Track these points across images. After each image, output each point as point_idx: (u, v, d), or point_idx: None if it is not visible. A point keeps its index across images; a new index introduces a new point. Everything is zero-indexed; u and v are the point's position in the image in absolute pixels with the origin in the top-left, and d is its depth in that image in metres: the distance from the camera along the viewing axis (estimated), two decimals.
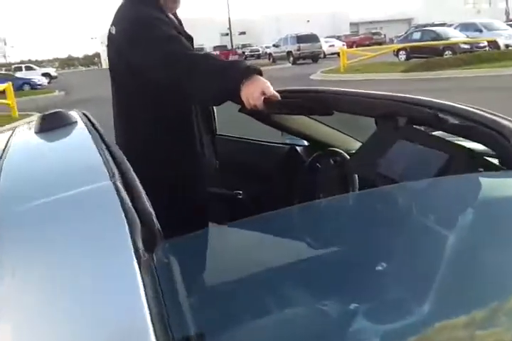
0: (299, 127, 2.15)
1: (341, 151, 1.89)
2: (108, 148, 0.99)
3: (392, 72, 16.51)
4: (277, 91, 1.52)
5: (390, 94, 1.42)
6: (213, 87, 1.55)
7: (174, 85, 1.65)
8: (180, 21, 1.94)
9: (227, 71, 1.54)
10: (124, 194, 0.78)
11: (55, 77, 38.29)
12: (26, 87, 27.06)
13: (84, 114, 1.45)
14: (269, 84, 1.53)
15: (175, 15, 1.92)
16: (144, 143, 1.83)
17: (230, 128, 2.42)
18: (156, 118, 1.80)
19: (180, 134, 1.83)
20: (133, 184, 0.83)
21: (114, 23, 1.77)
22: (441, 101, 1.26)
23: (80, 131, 1.24)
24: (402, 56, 20.76)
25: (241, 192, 2.47)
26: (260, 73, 1.56)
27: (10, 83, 14.58)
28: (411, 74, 15.47)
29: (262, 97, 1.48)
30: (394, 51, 21.42)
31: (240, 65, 1.58)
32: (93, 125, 1.24)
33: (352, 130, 2.17)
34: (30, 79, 28.76)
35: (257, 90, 1.49)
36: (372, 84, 14.21)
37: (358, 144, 2.22)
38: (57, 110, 1.36)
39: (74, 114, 1.39)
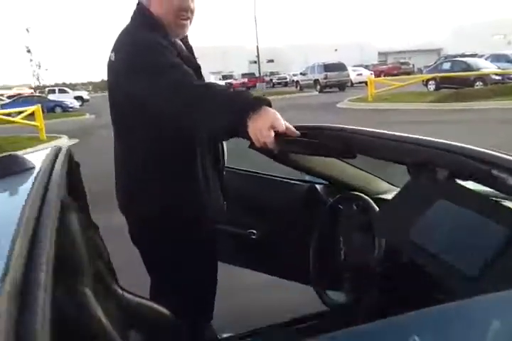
0: (317, 166, 1.95)
1: (366, 198, 1.67)
2: (38, 218, 0.77)
3: (420, 101, 16.26)
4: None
5: (425, 138, 1.21)
6: (217, 122, 1.38)
7: (175, 115, 1.51)
8: (190, 48, 1.80)
9: (232, 103, 1.37)
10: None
11: (87, 100, 38.96)
12: (58, 110, 27.67)
13: (67, 153, 1.29)
14: (279, 116, 1.35)
15: (185, 42, 1.78)
16: (139, 169, 1.71)
17: (241, 159, 2.25)
18: (152, 144, 1.65)
19: (179, 165, 1.67)
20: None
21: (114, 49, 1.64)
22: (490, 152, 1.03)
23: (21, 183, 1.05)
24: (432, 86, 20.53)
25: (254, 231, 2.28)
26: (269, 104, 1.38)
27: (39, 105, 14.83)
28: (440, 104, 15.20)
29: (273, 133, 1.30)
30: (423, 81, 21.27)
31: (246, 96, 1.40)
32: (52, 171, 1.05)
33: (376, 168, 1.96)
34: (62, 101, 29.36)
35: (265, 125, 1.31)
36: (401, 114, 14.00)
37: (384, 185, 2.01)
38: (11, 153, 1.18)
39: (53, 152, 1.23)
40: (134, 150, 1.71)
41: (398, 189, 2.01)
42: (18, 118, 15.01)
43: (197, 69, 1.69)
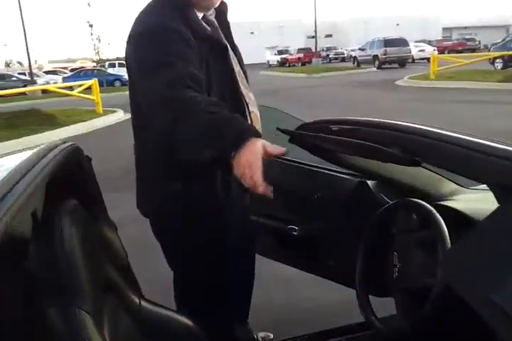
0: (364, 163, 1.67)
1: (430, 208, 1.35)
2: None
3: (487, 81, 15.30)
4: (336, 122, 1.10)
5: None
6: (199, 146, 1.29)
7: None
8: (226, 26, 1.63)
9: (219, 129, 1.23)
10: None
11: None
12: (117, 83, 28.19)
13: (69, 149, 1.12)
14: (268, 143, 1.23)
15: (222, 18, 1.59)
16: (152, 158, 1.61)
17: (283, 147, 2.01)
18: (164, 140, 1.48)
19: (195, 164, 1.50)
20: None
21: (128, 35, 1.53)
22: None
23: None
24: (499, 65, 19.39)
25: (296, 227, 2.07)
26: (258, 135, 1.25)
27: (96, 80, 15.03)
28: (509, 84, 14.23)
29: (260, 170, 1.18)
30: (490, 59, 20.15)
31: (236, 125, 1.25)
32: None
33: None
34: (121, 75, 29.77)
35: (256, 160, 1.19)
36: (466, 93, 13.24)
37: (449, 185, 1.73)
38: None
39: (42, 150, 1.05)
40: (149, 146, 1.60)
41: (466, 191, 1.73)
42: (75, 92, 15.29)
43: (222, 48, 1.56)
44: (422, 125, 1.11)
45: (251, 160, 1.19)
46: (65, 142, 1.22)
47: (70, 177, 1.12)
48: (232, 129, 1.23)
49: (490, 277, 0.84)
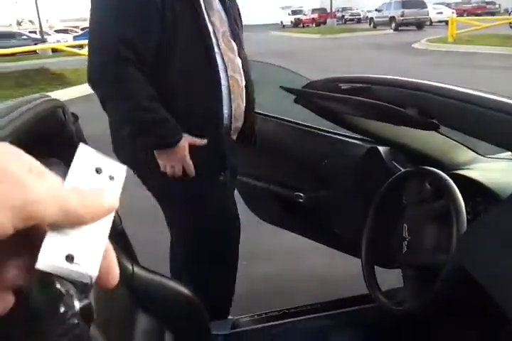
0: (376, 128, 1.55)
1: (445, 177, 1.22)
2: None
3: (507, 46, 14.77)
4: (345, 80, 0.98)
5: None
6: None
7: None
8: None
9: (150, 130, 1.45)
10: None
11: None
12: None
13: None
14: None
15: None
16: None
17: (291, 110, 1.90)
18: None
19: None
20: None
21: None
22: None
23: None
24: None
25: (302, 194, 1.98)
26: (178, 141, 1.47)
27: None
28: None
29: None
30: (510, 23, 19.43)
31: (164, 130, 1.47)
32: None
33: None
34: None
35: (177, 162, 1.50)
36: (485, 58, 12.82)
37: (469, 154, 1.60)
38: None
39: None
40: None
41: (484, 160, 1.61)
42: (84, 51, 15.04)
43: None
44: (442, 83, 0.98)
45: (172, 163, 1.49)
46: (45, 96, 1.11)
47: (47, 136, 1.02)
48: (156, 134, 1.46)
49: (509, 259, 0.74)
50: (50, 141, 1.06)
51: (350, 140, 1.87)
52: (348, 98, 0.95)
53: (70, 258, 0.31)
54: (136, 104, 1.41)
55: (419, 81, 1.04)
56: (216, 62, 1.50)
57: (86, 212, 0.30)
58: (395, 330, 1.35)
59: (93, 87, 1.47)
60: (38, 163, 0.30)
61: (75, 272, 0.31)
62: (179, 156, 1.47)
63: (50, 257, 0.30)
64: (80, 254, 0.32)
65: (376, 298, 1.33)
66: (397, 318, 1.30)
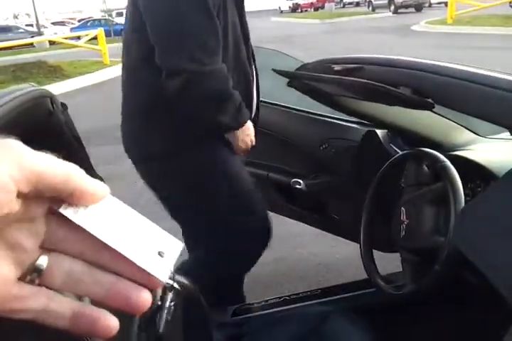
0: (372, 110, 1.51)
1: (443, 159, 1.18)
2: None
3: (507, 26, 14.60)
4: (339, 61, 0.95)
5: None
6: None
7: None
8: None
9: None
10: None
11: None
12: None
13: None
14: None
15: None
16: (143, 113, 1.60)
17: (286, 94, 1.87)
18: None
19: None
20: None
21: None
22: None
23: None
24: None
25: (300, 181, 1.96)
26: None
27: (102, 29, 14.60)
28: None
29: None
30: (510, 2, 19.19)
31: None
32: None
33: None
34: None
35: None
36: (484, 39, 12.68)
37: (467, 135, 1.57)
38: None
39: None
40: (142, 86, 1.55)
41: (483, 140, 1.57)
42: (81, 43, 14.93)
43: None
44: (435, 61, 0.95)
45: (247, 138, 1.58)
46: (33, 86, 1.09)
47: (34, 126, 1.00)
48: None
49: (508, 242, 0.72)
50: (38, 132, 1.04)
51: (347, 124, 1.84)
52: (341, 79, 0.92)
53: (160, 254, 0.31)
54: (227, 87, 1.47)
55: (412, 59, 1.00)
56: (250, 52, 1.58)
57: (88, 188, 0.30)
58: (395, 314, 1.34)
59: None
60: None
61: (167, 269, 0.31)
62: (251, 130, 1.60)
63: (159, 267, 0.30)
64: (163, 247, 0.32)
65: (375, 283, 1.32)
66: (397, 302, 1.29)
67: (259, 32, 17.09)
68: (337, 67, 1.14)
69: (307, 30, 19.86)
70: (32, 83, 1.19)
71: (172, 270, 0.32)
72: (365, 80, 0.95)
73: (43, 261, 0.30)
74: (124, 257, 0.30)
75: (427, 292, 1.11)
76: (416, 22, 18.18)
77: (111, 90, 9.51)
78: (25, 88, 1.06)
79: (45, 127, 1.06)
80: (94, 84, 10.76)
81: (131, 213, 0.32)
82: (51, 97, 1.13)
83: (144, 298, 0.31)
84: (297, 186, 1.97)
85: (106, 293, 0.31)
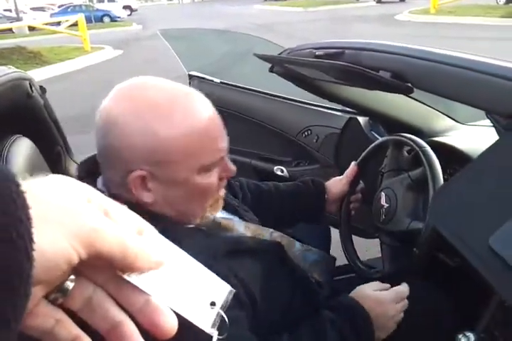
0: (354, 96, 1.52)
1: (423, 144, 1.18)
2: None
3: (489, 16, 14.71)
4: (321, 46, 0.95)
5: None
6: None
7: None
8: None
9: None
10: None
11: (136, 10, 38.59)
12: (106, 19, 27.27)
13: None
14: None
15: None
16: None
17: (266, 82, 1.87)
18: None
19: None
20: None
21: None
22: None
23: None
24: None
25: (283, 168, 1.96)
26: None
27: (82, 15, 14.35)
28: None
29: None
30: None
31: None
32: None
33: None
34: (110, 11, 28.78)
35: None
36: (466, 29, 12.76)
37: (447, 122, 1.59)
38: None
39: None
40: None
41: (463, 127, 1.59)
42: (61, 29, 14.67)
43: None
44: (415, 45, 0.95)
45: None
46: (11, 68, 1.07)
47: (12, 108, 0.98)
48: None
49: (485, 221, 0.73)
50: (17, 114, 1.03)
51: (329, 111, 1.85)
52: (321, 62, 0.92)
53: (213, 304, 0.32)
54: None
55: (393, 44, 1.01)
56: None
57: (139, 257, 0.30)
58: None
59: None
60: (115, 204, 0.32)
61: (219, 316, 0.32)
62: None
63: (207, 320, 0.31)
64: (215, 296, 0.32)
65: (355, 267, 1.33)
66: None
67: (240, 19, 16.90)
68: (318, 52, 1.14)
69: (290, 19, 19.75)
70: (10, 66, 1.17)
71: (224, 317, 0.33)
72: (345, 63, 0.96)
73: (70, 282, 0.30)
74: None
75: (406, 274, 1.13)
76: (399, 11, 18.21)
77: (90, 76, 9.39)
78: (3, 70, 1.04)
79: (23, 110, 1.05)
80: (75, 71, 10.61)
81: (183, 258, 0.33)
82: (30, 80, 1.11)
83: None
84: (279, 173, 1.98)
85: (108, 332, 0.31)
